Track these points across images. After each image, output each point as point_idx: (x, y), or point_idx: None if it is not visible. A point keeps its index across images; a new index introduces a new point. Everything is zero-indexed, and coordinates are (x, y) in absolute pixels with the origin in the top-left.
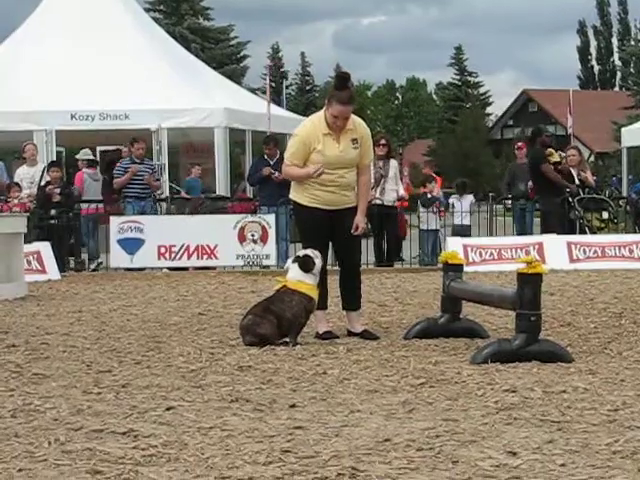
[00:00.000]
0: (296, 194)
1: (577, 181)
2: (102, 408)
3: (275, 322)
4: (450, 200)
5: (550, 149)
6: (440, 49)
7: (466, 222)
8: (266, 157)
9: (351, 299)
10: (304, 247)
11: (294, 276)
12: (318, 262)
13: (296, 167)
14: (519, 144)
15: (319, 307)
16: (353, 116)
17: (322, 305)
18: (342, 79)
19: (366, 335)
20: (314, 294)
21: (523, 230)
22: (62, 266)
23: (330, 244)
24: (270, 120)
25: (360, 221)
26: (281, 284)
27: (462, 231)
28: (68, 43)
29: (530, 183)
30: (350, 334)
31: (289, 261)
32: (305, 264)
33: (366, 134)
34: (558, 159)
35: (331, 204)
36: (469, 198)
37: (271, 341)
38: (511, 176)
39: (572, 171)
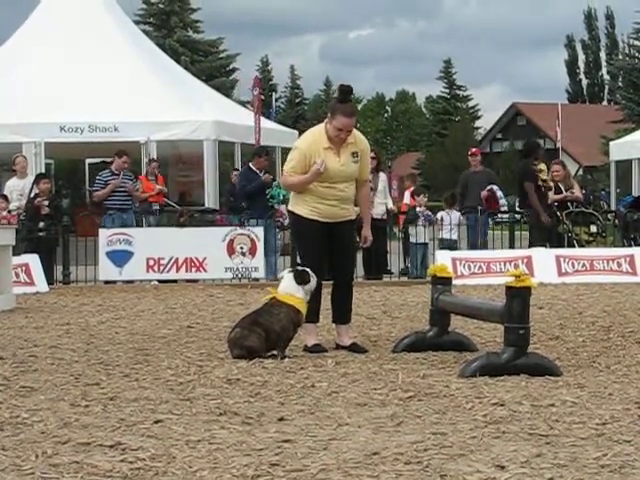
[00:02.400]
0: (296, 206)
1: (565, 192)
2: (90, 421)
3: (263, 335)
4: (439, 215)
5: (541, 166)
6: (428, 62)
7: (454, 236)
8: (254, 169)
9: (342, 312)
10: (301, 257)
11: (285, 288)
12: (313, 281)
13: (296, 175)
14: (473, 150)
15: (310, 320)
16: (354, 130)
17: (314, 318)
18: (346, 92)
19: (355, 348)
20: (302, 308)
21: (475, 243)
22: (50, 278)
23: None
24: (259, 132)
25: (368, 234)
26: (271, 295)
27: (449, 245)
28: (57, 56)
29: (483, 192)
30: (338, 347)
31: (285, 271)
32: (300, 276)
33: (366, 148)
34: (545, 177)
35: (330, 217)
36: (457, 215)
37: (259, 354)
38: (463, 185)
39: (560, 185)
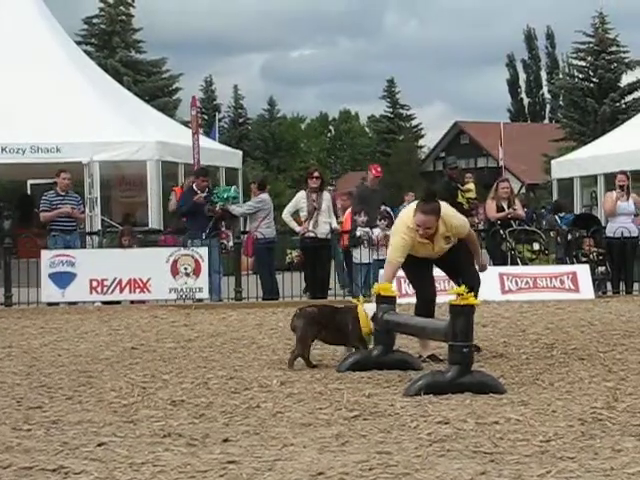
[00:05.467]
0: None
1: (507, 210)
2: (32, 445)
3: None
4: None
5: (468, 186)
6: (370, 82)
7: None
8: (195, 188)
9: None
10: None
11: (368, 308)
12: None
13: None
14: (379, 169)
15: None
16: (447, 220)
17: None
18: (429, 195)
19: (433, 358)
20: (365, 332)
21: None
22: None
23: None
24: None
25: (484, 263)
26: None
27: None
28: None
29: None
30: (419, 357)
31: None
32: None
33: (460, 227)
34: (474, 195)
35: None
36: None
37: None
38: (362, 202)
39: (503, 204)
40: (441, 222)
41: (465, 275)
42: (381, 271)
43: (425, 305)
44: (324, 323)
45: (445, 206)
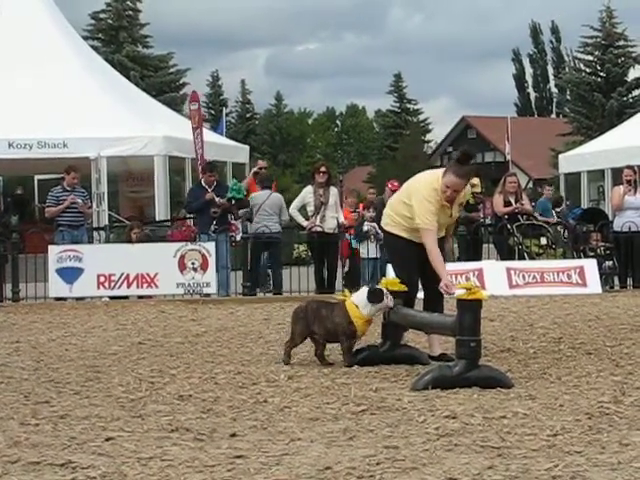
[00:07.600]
0: (397, 230)
1: (514, 204)
2: (40, 440)
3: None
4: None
5: (474, 181)
6: (375, 77)
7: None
8: (204, 184)
9: None
10: (398, 275)
11: (356, 297)
12: (387, 301)
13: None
14: (391, 181)
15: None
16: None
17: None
18: (467, 157)
19: (444, 358)
20: (359, 322)
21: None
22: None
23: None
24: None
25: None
26: (344, 297)
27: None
28: (5, 71)
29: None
30: (431, 358)
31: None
32: (374, 293)
33: (467, 192)
34: (479, 190)
35: None
36: None
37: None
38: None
39: (510, 198)
40: None
41: (433, 294)
42: (389, 265)
43: (409, 299)
44: (312, 319)
45: None
